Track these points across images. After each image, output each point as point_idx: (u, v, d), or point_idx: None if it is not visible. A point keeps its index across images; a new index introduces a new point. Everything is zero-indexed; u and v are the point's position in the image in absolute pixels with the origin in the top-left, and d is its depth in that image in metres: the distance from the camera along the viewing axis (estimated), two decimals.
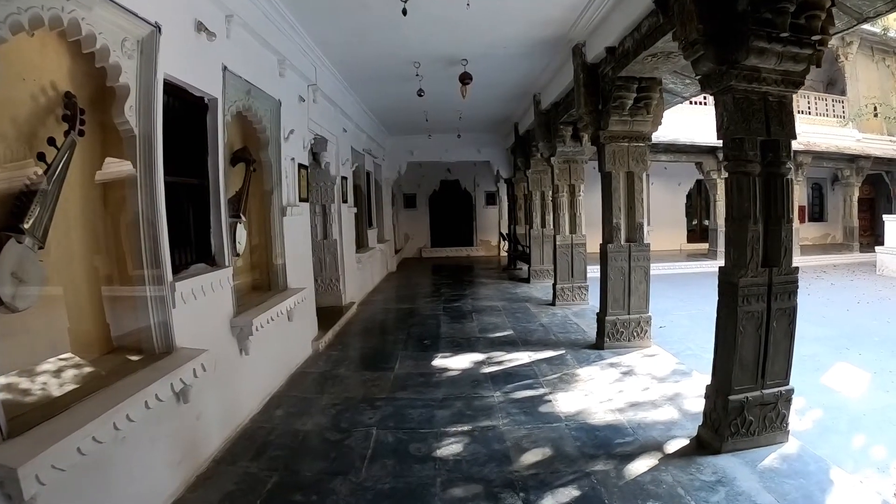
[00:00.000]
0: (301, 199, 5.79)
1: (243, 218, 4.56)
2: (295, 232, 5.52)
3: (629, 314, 5.75)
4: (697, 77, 3.61)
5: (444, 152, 13.86)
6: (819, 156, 15.75)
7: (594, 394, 4.49)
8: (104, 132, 3.16)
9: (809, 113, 16.40)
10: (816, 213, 19.79)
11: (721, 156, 12.06)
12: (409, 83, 7.27)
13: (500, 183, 16.55)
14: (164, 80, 3.29)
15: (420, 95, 7.19)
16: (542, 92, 8.06)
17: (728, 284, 3.43)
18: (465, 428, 3.89)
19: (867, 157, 16.25)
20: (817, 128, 15.89)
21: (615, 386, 4.68)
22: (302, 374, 5.26)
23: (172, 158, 3.54)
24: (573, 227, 8.28)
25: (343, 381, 5.00)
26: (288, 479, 3.27)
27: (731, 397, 3.41)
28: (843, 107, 16.93)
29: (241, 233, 4.54)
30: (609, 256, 5.64)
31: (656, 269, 10.33)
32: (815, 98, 16.83)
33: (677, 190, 18.06)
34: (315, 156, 7.36)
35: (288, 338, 5.21)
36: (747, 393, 3.45)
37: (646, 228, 5.73)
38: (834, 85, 18.00)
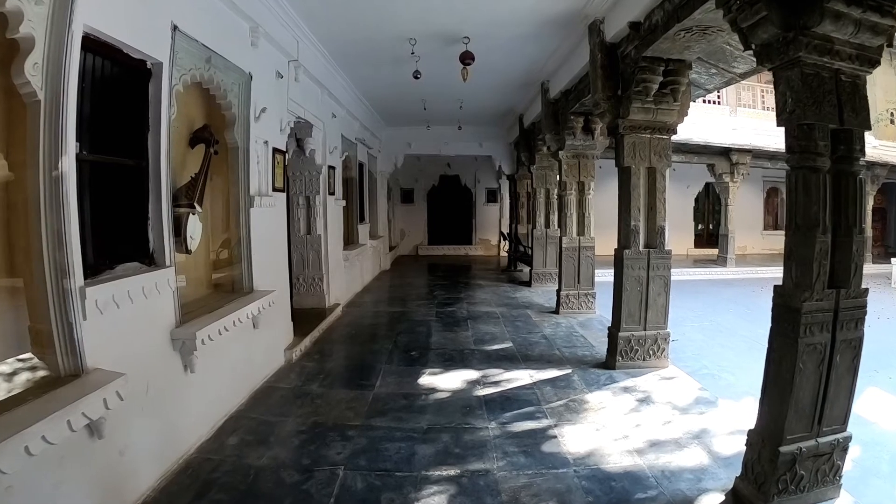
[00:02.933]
0: (275, 189, 5.08)
1: (198, 208, 3.86)
2: (265, 226, 4.81)
3: (645, 330, 5.06)
4: (754, 48, 2.91)
5: (443, 145, 13.10)
6: None
7: (607, 428, 3.80)
8: (10, 99, 2.49)
9: None
10: None
11: (735, 158, 11.37)
12: (404, 65, 6.56)
13: (501, 179, 15.85)
14: (93, 36, 2.66)
15: (416, 77, 6.47)
16: (551, 79, 7.34)
17: (787, 310, 2.72)
18: (452, 472, 3.18)
19: (883, 165, 15.53)
20: None
21: (631, 418, 3.99)
22: (268, 389, 4.57)
23: (101, 133, 2.91)
24: (581, 229, 7.56)
25: (313, 401, 4.30)
26: None
27: (783, 448, 2.72)
28: None
29: (196, 225, 3.84)
30: (625, 264, 4.93)
31: None
32: None
33: (686, 193, 17.35)
34: (299, 142, 6.68)
35: (252, 347, 4.51)
36: (801, 443, 2.77)
37: (667, 233, 5.03)
38: None
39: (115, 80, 3.06)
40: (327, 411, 4.08)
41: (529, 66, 7.12)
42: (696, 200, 17.96)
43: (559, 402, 4.25)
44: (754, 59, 5.13)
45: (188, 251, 3.76)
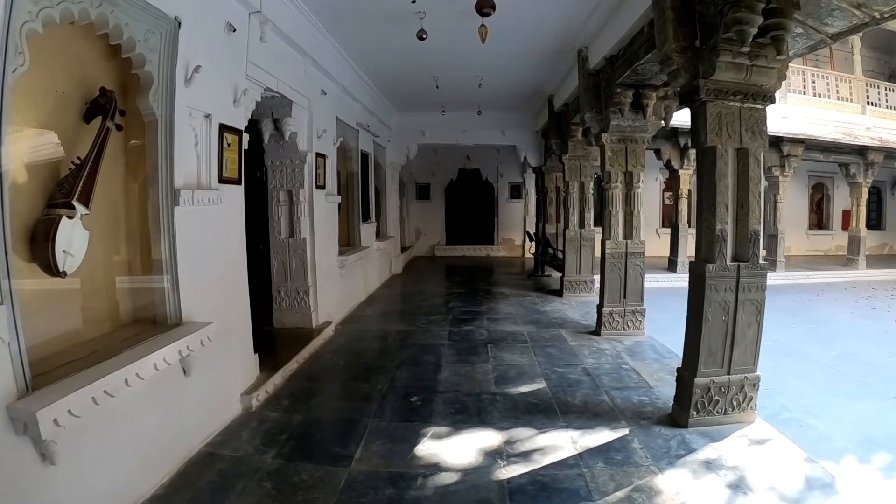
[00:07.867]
0: (224, 180, 3.78)
1: (82, 209, 2.60)
2: (205, 231, 3.50)
3: (729, 374, 3.64)
4: None
5: (461, 133, 11.66)
6: (891, 154, 13.34)
7: None
8: None
9: (878, 105, 13.78)
10: (874, 220, 17.09)
11: (786, 150, 9.55)
12: (406, 26, 5.24)
13: (527, 173, 14.39)
14: None
15: (422, 39, 5.10)
16: (591, 44, 5.89)
17: None
18: None
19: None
20: (887, 122, 13.34)
21: None
22: (206, 458, 3.27)
23: None
24: (628, 231, 6.08)
25: (260, 485, 2.97)
26: None
27: None
28: None
29: (76, 235, 2.59)
30: (707, 284, 3.49)
31: (680, 280, 8.25)
32: (886, 89, 14.12)
33: None
34: (276, 123, 5.41)
35: (183, 402, 3.23)
36: None
37: (761, 241, 3.62)
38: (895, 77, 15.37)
39: None
40: None
41: (564, 27, 5.70)
42: None
43: (619, 495, 2.83)
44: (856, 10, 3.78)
45: (61, 273, 2.50)
